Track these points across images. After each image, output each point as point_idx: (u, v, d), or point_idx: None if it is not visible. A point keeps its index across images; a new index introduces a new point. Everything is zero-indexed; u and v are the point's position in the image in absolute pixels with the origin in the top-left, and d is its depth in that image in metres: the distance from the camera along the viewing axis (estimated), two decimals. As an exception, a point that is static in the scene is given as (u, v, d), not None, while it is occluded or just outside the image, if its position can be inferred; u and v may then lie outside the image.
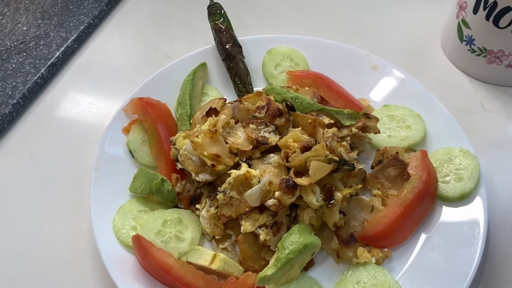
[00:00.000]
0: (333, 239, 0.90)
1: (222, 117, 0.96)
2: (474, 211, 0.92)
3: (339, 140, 0.91)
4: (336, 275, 0.88)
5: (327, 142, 0.88)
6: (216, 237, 0.92)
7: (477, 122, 1.14)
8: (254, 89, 1.14)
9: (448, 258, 0.88)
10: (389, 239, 0.90)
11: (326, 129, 0.92)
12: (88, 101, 1.20)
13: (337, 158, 0.87)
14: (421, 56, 1.28)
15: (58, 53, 1.24)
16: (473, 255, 0.86)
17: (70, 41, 1.27)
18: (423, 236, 0.92)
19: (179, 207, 0.96)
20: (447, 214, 0.93)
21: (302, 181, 0.85)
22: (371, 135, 1.02)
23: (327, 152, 0.86)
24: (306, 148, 0.88)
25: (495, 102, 1.18)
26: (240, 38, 1.20)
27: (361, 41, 1.28)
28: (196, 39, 1.33)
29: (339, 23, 1.37)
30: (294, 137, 0.90)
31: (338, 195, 0.86)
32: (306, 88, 1.10)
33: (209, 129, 0.92)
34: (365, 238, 0.90)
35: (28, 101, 1.17)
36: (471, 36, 1.15)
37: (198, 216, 0.93)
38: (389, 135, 1.04)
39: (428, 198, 0.93)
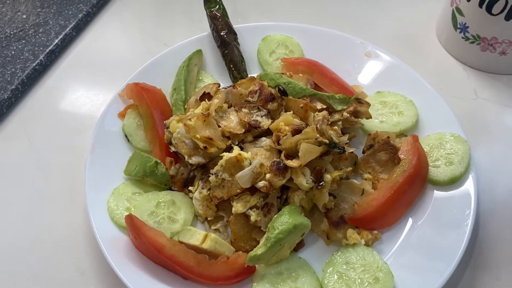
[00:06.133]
0: (323, 221, 0.92)
1: (215, 101, 0.97)
2: (464, 195, 0.93)
3: (329, 123, 0.92)
4: (326, 256, 0.89)
5: (317, 125, 0.89)
6: (209, 219, 0.93)
7: (471, 110, 1.15)
8: (249, 75, 1.15)
9: (437, 240, 0.89)
10: (378, 222, 0.92)
11: (316, 113, 0.93)
12: (85, 88, 1.22)
13: (327, 141, 0.88)
14: (416, 44, 1.29)
15: (56, 41, 1.26)
16: (462, 237, 0.87)
17: (68, 29, 1.29)
18: (412, 219, 0.93)
19: (172, 190, 0.97)
20: (437, 198, 0.94)
21: (293, 163, 0.87)
22: (363, 121, 1.03)
23: (317, 134, 0.88)
24: (297, 131, 0.89)
25: (489, 89, 1.18)
26: (236, 26, 1.21)
27: (356, 29, 1.29)
28: (194, 27, 1.34)
29: (335, 12, 1.38)
30: (286, 120, 0.92)
31: (328, 177, 0.88)
32: (300, 74, 1.11)
33: (202, 113, 0.93)
34: (355, 220, 0.91)
35: (27, 87, 1.19)
36: (465, 23, 1.16)
37: (191, 198, 0.95)
38: (381, 121, 1.05)
39: (418, 182, 0.95)
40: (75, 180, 1.02)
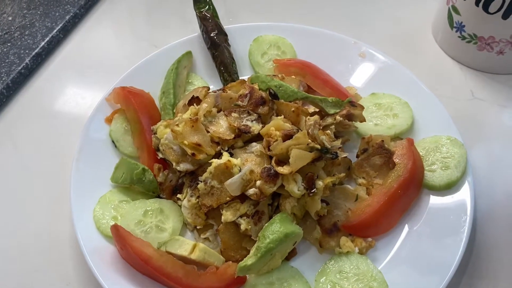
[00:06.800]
0: (316, 229, 0.89)
1: (204, 105, 0.94)
2: (461, 200, 0.90)
3: (321, 128, 0.90)
4: (319, 265, 0.87)
5: (309, 130, 0.87)
6: (198, 227, 0.91)
7: (467, 110, 1.12)
8: (240, 78, 1.13)
9: (433, 247, 0.86)
10: (372, 228, 0.89)
11: (308, 117, 0.91)
12: (73, 92, 1.19)
13: (318, 146, 0.85)
14: (412, 44, 1.26)
15: (43, 43, 1.23)
16: (458, 244, 0.85)
17: (55, 31, 1.25)
18: (408, 226, 0.91)
19: (161, 197, 0.95)
20: (433, 203, 0.92)
21: (283, 169, 0.84)
22: (358, 124, 1.00)
23: (309, 140, 0.85)
24: (287, 137, 0.86)
25: (486, 89, 1.15)
26: (226, 27, 1.18)
27: (351, 29, 1.26)
28: (185, 28, 1.30)
29: (329, 11, 1.35)
30: (276, 125, 0.89)
31: (320, 183, 0.85)
32: (293, 76, 1.08)
33: (190, 118, 0.90)
34: (348, 227, 0.89)
35: (12, 91, 1.16)
36: (461, 22, 1.13)
37: (180, 206, 0.92)
38: (375, 124, 1.03)
39: (414, 187, 0.92)
40: (61, 187, 0.99)
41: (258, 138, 0.93)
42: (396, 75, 1.09)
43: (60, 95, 1.18)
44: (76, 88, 1.19)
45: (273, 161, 0.86)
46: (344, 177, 0.94)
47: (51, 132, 1.11)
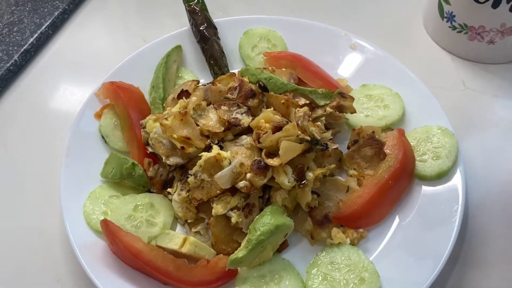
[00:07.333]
0: (307, 220, 0.89)
1: (193, 99, 0.94)
2: (452, 190, 0.90)
3: (311, 119, 0.89)
4: (310, 257, 0.86)
5: (298, 122, 0.86)
6: (189, 221, 0.90)
7: (459, 101, 1.12)
8: (231, 71, 1.12)
9: (425, 237, 0.86)
10: (364, 219, 0.89)
11: (298, 109, 0.90)
12: (62, 88, 1.18)
13: (308, 138, 0.85)
14: (403, 35, 1.26)
15: (32, 40, 1.22)
16: (450, 233, 0.84)
17: (44, 27, 1.25)
18: (399, 216, 0.90)
19: (151, 192, 0.94)
20: (425, 193, 0.92)
21: (273, 161, 0.83)
22: (348, 115, 1.00)
23: (299, 131, 0.84)
24: (277, 129, 0.86)
25: (477, 79, 1.15)
26: (216, 20, 1.17)
27: (342, 21, 1.26)
28: (176, 22, 1.30)
29: (319, 3, 1.34)
30: (266, 117, 0.88)
31: (310, 175, 0.85)
32: (283, 69, 1.08)
33: (179, 111, 0.90)
34: (340, 219, 0.88)
35: (1, 88, 1.16)
36: (452, 12, 1.12)
37: (171, 200, 0.92)
38: (366, 115, 1.02)
39: (405, 177, 0.92)
40: (52, 184, 0.98)
41: (248, 130, 0.92)
42: (387, 67, 1.09)
43: (50, 92, 1.17)
44: (66, 84, 1.19)
45: (263, 154, 0.86)
46: (335, 169, 0.93)
47: (41, 128, 1.10)
